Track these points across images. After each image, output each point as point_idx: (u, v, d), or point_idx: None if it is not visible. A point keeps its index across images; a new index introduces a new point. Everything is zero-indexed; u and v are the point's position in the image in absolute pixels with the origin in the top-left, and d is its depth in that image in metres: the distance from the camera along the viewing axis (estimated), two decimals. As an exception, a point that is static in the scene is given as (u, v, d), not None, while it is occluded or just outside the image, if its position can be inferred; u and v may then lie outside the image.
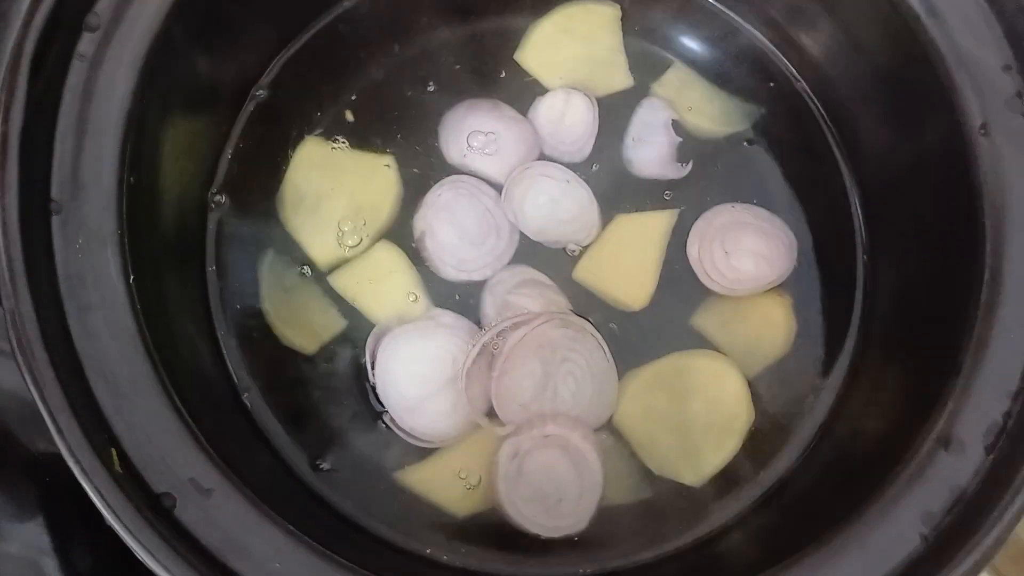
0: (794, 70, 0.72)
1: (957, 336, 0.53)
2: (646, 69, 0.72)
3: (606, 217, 0.67)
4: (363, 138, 0.68)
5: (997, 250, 0.53)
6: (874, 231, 0.68)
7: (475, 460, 0.61)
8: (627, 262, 0.66)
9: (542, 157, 0.69)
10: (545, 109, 0.69)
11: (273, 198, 0.66)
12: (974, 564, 0.45)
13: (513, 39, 0.72)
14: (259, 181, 0.67)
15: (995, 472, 0.48)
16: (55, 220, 0.49)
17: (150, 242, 0.55)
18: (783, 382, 0.64)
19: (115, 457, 0.45)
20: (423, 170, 0.68)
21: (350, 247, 0.65)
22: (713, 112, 0.71)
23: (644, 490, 0.61)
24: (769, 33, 0.72)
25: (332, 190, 0.66)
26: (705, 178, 0.69)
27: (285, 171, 0.67)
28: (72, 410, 0.44)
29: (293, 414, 0.62)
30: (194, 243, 0.64)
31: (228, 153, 0.67)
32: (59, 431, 0.44)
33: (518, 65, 0.71)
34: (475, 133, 0.67)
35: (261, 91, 0.69)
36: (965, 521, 0.47)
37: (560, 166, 0.67)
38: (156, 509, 0.45)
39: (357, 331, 0.63)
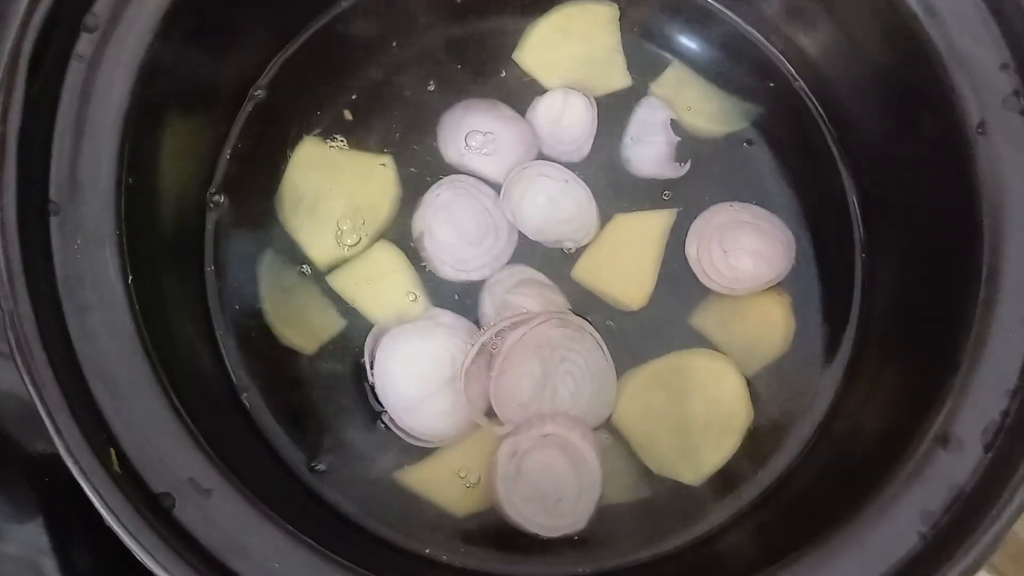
0: (792, 69, 0.72)
1: (955, 335, 0.53)
2: (644, 69, 0.72)
3: (605, 216, 0.67)
4: (362, 138, 0.68)
5: (995, 248, 0.53)
6: (872, 230, 0.68)
7: (474, 459, 0.61)
8: (626, 261, 0.66)
9: (541, 157, 0.69)
10: (544, 109, 0.69)
11: (272, 198, 0.66)
12: (972, 562, 0.45)
13: (512, 39, 0.72)
14: (258, 181, 0.67)
15: (993, 470, 0.48)
16: (53, 221, 0.49)
17: (149, 242, 0.55)
18: (782, 381, 0.65)
19: (114, 457, 0.45)
20: (422, 170, 0.68)
21: (349, 247, 0.65)
22: (711, 111, 0.71)
23: (643, 489, 0.61)
24: (767, 32, 0.72)
25: (331, 190, 0.66)
26: (703, 177, 0.69)
27: (284, 171, 0.67)
28: (71, 410, 0.44)
29: (292, 414, 0.62)
30: (193, 243, 0.64)
31: (227, 153, 0.67)
32: (58, 431, 0.44)
33: (517, 65, 0.71)
34: (473, 133, 0.67)
35: (260, 91, 0.69)
36: (963, 519, 0.47)
37: (558, 166, 0.67)
38: (155, 509, 0.45)
39: (356, 331, 0.63)
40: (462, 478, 0.60)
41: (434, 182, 0.67)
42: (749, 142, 0.70)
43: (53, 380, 0.45)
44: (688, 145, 0.69)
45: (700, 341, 0.65)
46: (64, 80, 0.51)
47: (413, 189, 0.67)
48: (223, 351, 0.62)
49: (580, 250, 0.66)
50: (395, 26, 0.71)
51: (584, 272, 0.65)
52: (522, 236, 0.66)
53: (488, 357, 0.61)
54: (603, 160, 0.69)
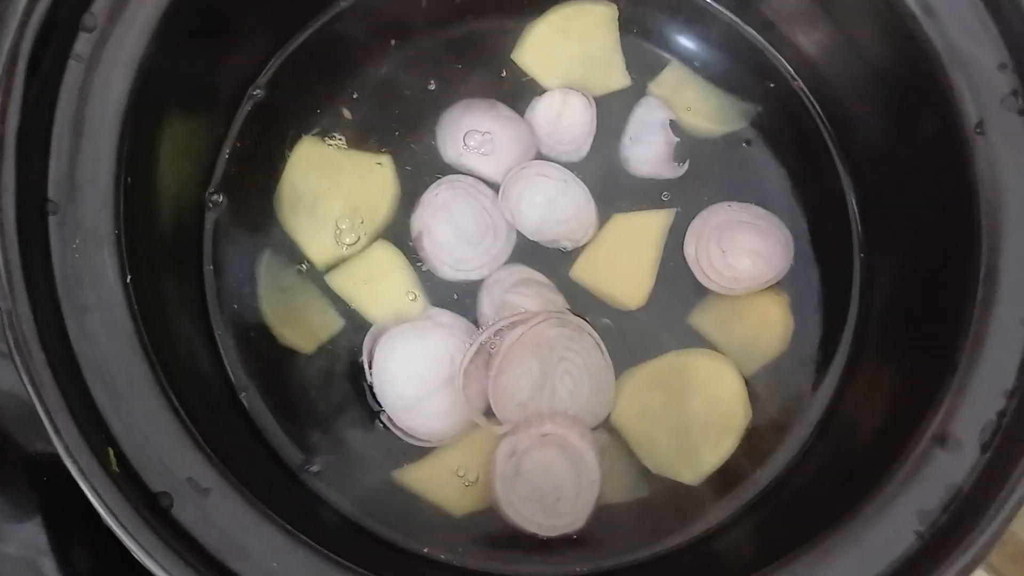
0: (791, 69, 0.72)
1: (953, 334, 0.53)
2: (643, 68, 0.72)
3: (603, 216, 0.67)
4: (360, 137, 0.68)
5: (993, 248, 0.53)
6: (871, 229, 0.68)
7: (473, 459, 0.61)
8: (624, 261, 0.66)
9: (540, 157, 0.69)
10: (543, 109, 0.69)
11: (270, 198, 0.66)
12: (969, 562, 0.45)
13: (510, 39, 0.72)
14: (256, 181, 0.67)
15: (991, 470, 0.48)
16: (52, 220, 0.49)
17: (147, 242, 0.55)
18: (780, 380, 0.65)
19: (112, 457, 0.45)
20: (420, 169, 0.68)
21: (347, 246, 0.65)
22: (710, 111, 0.71)
23: (641, 489, 0.62)
24: (766, 32, 0.72)
25: (329, 189, 0.66)
26: (702, 177, 0.69)
27: (282, 171, 0.67)
28: (69, 410, 0.44)
29: (291, 414, 0.62)
30: (191, 243, 0.64)
31: (225, 153, 0.67)
32: (56, 431, 0.44)
33: (515, 65, 0.71)
34: (471, 132, 0.67)
35: (258, 91, 0.69)
36: (961, 519, 0.47)
37: (557, 165, 0.67)
38: (154, 508, 0.45)
39: (354, 330, 0.63)
40: (460, 477, 0.60)
41: (433, 182, 0.67)
42: (748, 142, 0.70)
43: (52, 380, 0.45)
44: (687, 145, 0.69)
45: (699, 341, 0.65)
46: (63, 80, 0.51)
47: (412, 189, 0.67)
48: (222, 351, 0.62)
49: (579, 250, 0.66)
50: (394, 25, 0.71)
51: (583, 272, 0.66)
52: (520, 236, 0.66)
53: (487, 357, 0.61)
54: (602, 160, 0.69)
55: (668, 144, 0.69)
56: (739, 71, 0.72)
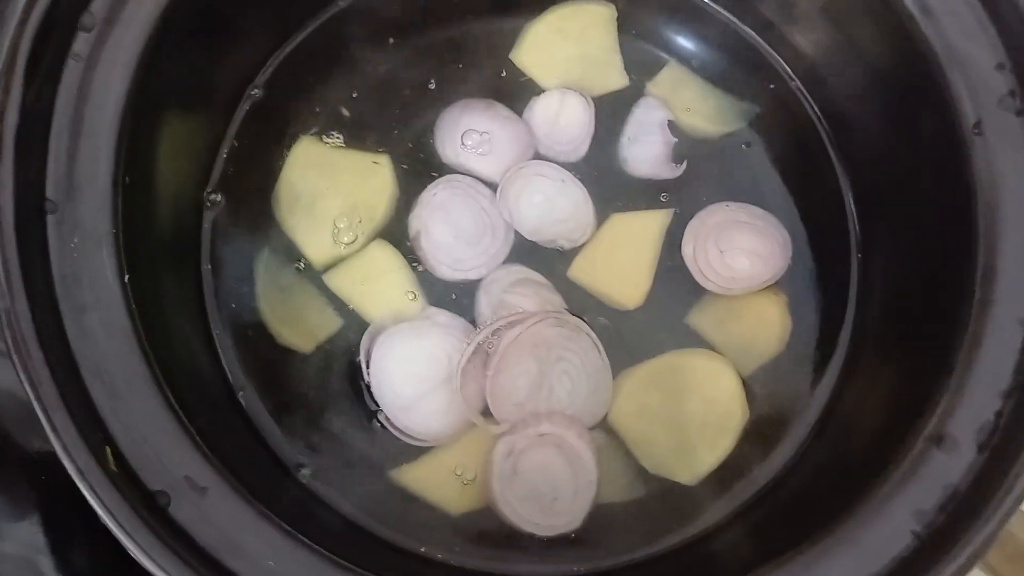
0: (789, 69, 0.72)
1: (951, 334, 0.53)
2: (641, 69, 0.72)
3: (601, 216, 0.67)
4: (358, 137, 0.68)
5: (991, 248, 0.53)
6: (868, 229, 0.68)
7: (470, 458, 0.61)
8: (622, 261, 0.66)
9: (538, 157, 0.69)
10: (541, 109, 0.69)
11: (269, 197, 0.66)
12: (966, 561, 0.45)
13: (509, 39, 0.72)
14: (255, 180, 0.67)
15: (987, 470, 0.48)
16: (50, 220, 0.49)
17: (146, 242, 0.55)
18: (778, 380, 0.65)
19: (110, 456, 0.46)
20: (418, 169, 0.68)
21: (345, 245, 0.65)
22: (708, 111, 0.71)
23: (639, 489, 0.62)
24: (764, 32, 0.72)
25: (327, 189, 0.66)
26: (700, 177, 0.69)
27: (281, 170, 0.67)
28: (67, 409, 0.44)
29: (288, 413, 0.62)
30: (190, 242, 0.64)
31: (224, 152, 0.67)
32: (54, 430, 0.44)
33: (514, 65, 0.71)
34: (469, 132, 0.67)
35: (256, 90, 0.69)
36: (957, 519, 0.47)
37: (555, 165, 0.68)
38: (151, 507, 0.45)
39: (352, 330, 0.63)
40: (458, 476, 0.60)
41: (431, 181, 0.67)
42: (746, 143, 0.70)
43: (50, 379, 0.45)
44: (685, 145, 0.69)
45: (696, 341, 0.65)
46: (61, 79, 0.51)
47: (410, 188, 0.67)
48: (220, 350, 0.62)
49: (577, 249, 0.66)
50: (392, 25, 0.71)
51: (580, 272, 0.66)
52: (518, 236, 0.66)
53: (484, 356, 0.61)
54: (600, 160, 0.69)
55: (666, 144, 0.69)
56: (737, 71, 0.73)
